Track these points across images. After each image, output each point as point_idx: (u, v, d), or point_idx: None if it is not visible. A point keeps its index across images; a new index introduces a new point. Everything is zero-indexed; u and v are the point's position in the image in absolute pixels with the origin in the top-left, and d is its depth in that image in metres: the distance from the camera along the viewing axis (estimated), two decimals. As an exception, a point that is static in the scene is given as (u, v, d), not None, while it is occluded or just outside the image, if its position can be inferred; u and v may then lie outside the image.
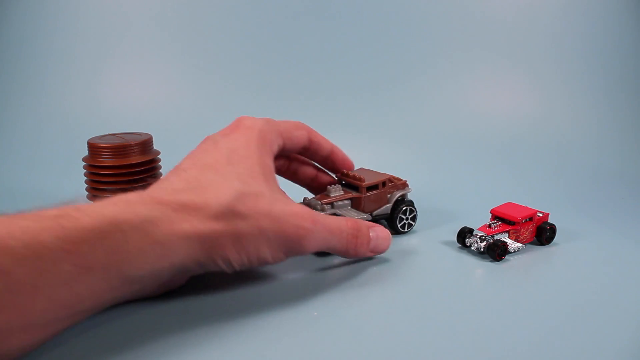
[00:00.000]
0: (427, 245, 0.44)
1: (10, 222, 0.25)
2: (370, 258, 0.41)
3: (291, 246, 0.33)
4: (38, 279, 0.25)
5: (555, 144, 0.67)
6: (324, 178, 0.46)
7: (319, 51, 0.73)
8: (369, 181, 0.44)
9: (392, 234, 0.42)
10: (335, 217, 0.37)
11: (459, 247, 0.43)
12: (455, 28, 0.73)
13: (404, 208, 0.45)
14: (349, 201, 0.44)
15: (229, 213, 0.31)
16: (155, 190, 0.32)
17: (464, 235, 0.42)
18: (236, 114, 0.39)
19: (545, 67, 0.72)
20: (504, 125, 0.70)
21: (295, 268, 0.39)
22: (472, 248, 0.41)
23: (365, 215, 0.44)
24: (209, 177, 0.33)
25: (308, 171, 0.45)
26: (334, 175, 0.46)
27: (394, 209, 0.45)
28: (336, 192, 0.44)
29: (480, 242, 0.41)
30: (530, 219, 0.43)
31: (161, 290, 0.34)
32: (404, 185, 0.46)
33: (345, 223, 0.37)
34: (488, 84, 0.73)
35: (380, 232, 0.39)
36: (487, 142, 0.67)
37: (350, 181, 0.45)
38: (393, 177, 0.46)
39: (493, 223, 0.42)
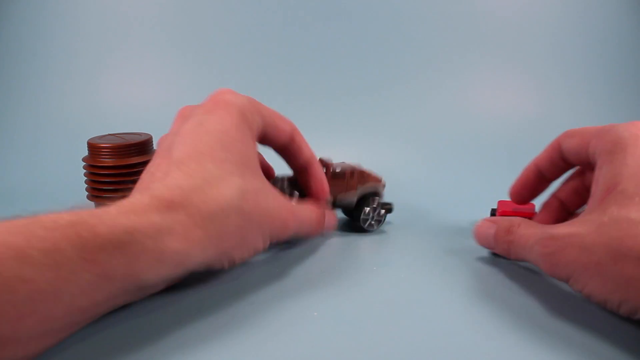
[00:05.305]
0: (427, 245, 0.44)
1: (27, 231, 0.25)
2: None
3: (276, 235, 0.37)
4: (59, 288, 0.25)
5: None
6: None
7: (319, 51, 0.73)
8: (334, 169, 0.43)
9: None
10: (304, 206, 0.40)
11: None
12: (455, 28, 0.73)
13: (372, 204, 0.44)
14: None
15: (236, 213, 0.32)
16: (163, 190, 0.31)
17: None
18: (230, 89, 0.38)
19: (545, 67, 0.72)
20: (504, 125, 0.70)
21: (295, 268, 0.39)
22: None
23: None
24: (209, 169, 0.33)
25: None
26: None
27: (359, 203, 0.44)
28: None
29: None
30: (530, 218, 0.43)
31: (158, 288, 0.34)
32: (375, 179, 0.45)
33: (312, 213, 0.41)
34: (488, 84, 0.73)
35: (330, 218, 0.43)
36: (487, 142, 0.67)
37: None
38: (368, 172, 0.45)
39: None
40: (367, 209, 0.45)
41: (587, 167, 0.38)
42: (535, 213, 0.44)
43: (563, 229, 0.32)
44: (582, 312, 0.33)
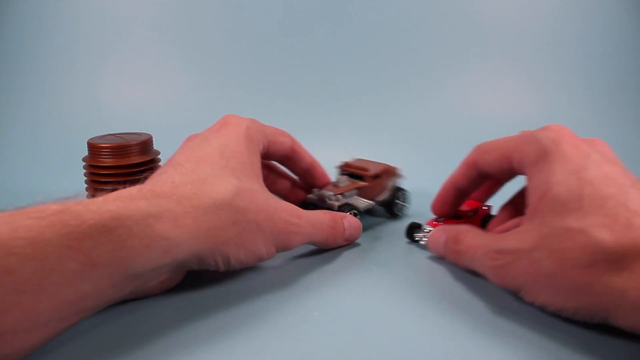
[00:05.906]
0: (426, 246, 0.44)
1: (13, 221, 0.25)
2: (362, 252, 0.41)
3: (281, 240, 0.35)
4: (43, 278, 0.24)
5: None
6: (298, 193, 0.47)
7: (320, 52, 0.73)
8: (373, 171, 0.46)
9: (388, 218, 0.48)
10: (314, 211, 0.40)
11: (408, 242, 0.43)
12: (455, 28, 0.73)
13: (399, 193, 0.48)
14: (356, 190, 0.46)
15: (229, 207, 0.32)
16: (155, 184, 0.32)
17: (412, 230, 0.43)
18: (237, 114, 0.40)
19: (545, 67, 0.72)
20: (504, 125, 0.70)
21: (295, 268, 0.39)
22: (421, 242, 0.42)
23: (372, 203, 0.46)
24: (206, 170, 0.33)
25: (284, 184, 0.47)
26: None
27: (392, 195, 0.48)
28: (344, 182, 0.46)
29: None
30: (476, 211, 0.44)
31: (158, 289, 0.34)
32: (396, 171, 0.49)
33: (324, 216, 0.39)
34: (488, 84, 0.73)
35: (352, 221, 0.42)
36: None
37: (354, 171, 0.47)
38: (388, 165, 0.49)
39: (441, 218, 0.43)
40: (399, 199, 0.49)
41: (512, 176, 0.39)
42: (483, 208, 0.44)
43: (510, 242, 0.32)
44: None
